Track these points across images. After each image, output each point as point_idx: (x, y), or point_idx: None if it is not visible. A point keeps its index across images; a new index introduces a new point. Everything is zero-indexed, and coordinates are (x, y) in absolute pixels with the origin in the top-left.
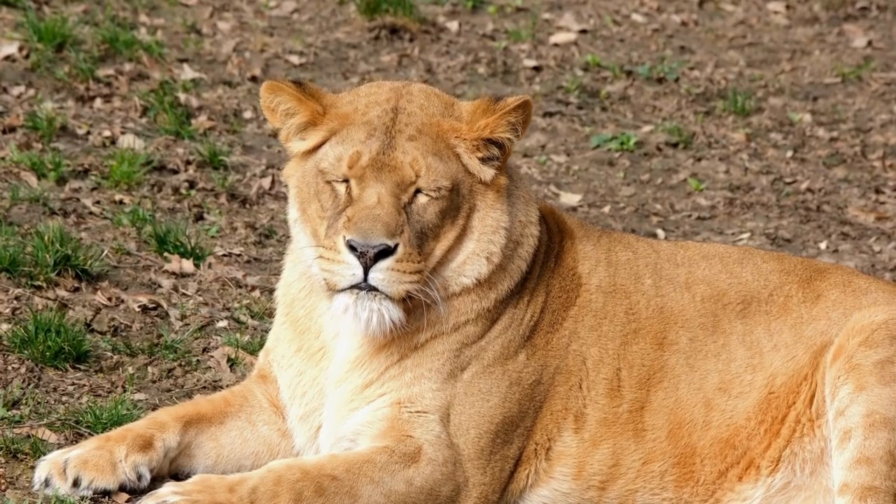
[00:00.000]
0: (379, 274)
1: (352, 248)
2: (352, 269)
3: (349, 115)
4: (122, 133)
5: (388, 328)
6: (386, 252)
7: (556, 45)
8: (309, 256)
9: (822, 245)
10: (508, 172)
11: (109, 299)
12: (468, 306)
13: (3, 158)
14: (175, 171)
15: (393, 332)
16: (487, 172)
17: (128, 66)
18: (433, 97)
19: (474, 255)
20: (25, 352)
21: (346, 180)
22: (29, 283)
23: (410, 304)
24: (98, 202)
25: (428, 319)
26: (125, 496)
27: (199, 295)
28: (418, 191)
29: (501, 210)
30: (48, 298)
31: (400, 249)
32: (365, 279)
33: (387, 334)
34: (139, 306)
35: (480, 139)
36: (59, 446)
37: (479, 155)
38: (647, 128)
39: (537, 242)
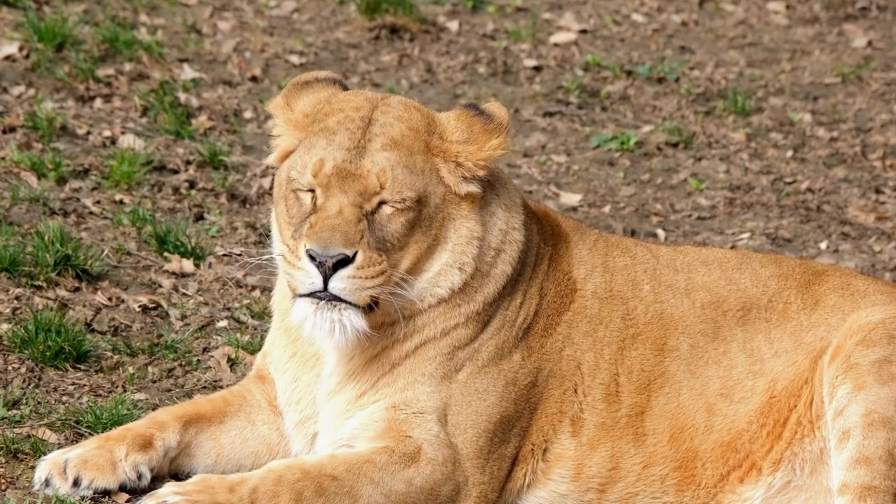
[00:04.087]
0: (340, 283)
1: (311, 258)
2: (311, 277)
3: (311, 124)
4: (122, 133)
5: (353, 337)
6: (345, 261)
7: (556, 45)
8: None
9: (823, 245)
10: (490, 180)
11: (109, 299)
12: (454, 310)
13: (3, 158)
14: (175, 171)
15: (362, 342)
16: (464, 187)
17: (128, 66)
18: (413, 109)
19: (448, 267)
20: (25, 352)
21: (311, 190)
22: (29, 283)
23: (378, 312)
24: (98, 202)
25: (415, 326)
26: (125, 496)
27: (200, 295)
28: (383, 202)
29: (475, 220)
30: (48, 298)
31: (359, 256)
32: (325, 288)
33: (354, 343)
34: (139, 306)
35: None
36: (59, 446)
37: (465, 178)
38: (647, 128)
39: (523, 247)
